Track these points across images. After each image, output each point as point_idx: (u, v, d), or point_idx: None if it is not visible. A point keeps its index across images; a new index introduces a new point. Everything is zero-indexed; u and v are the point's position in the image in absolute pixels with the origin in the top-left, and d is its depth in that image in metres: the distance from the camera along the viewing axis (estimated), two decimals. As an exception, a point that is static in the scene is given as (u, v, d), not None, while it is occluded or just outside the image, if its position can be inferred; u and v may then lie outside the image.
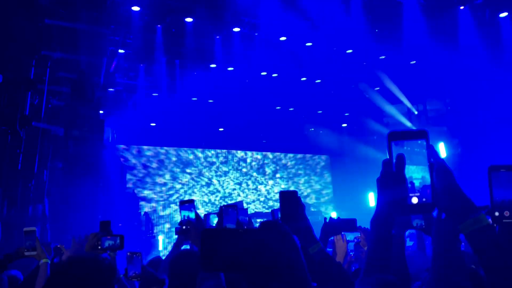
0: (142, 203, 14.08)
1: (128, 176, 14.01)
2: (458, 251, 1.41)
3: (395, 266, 1.98)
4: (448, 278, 1.40)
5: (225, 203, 14.65)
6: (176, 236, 3.34)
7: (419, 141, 1.11)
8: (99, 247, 2.52)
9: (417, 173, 1.10)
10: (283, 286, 0.88)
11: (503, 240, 1.05)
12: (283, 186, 17.00)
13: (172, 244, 3.30)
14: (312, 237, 1.70)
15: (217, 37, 11.22)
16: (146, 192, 14.48)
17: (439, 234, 1.42)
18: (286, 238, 0.88)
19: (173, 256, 2.48)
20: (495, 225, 1.19)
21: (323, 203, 17.62)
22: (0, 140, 7.56)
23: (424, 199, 1.08)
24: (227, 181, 16.18)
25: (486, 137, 11.74)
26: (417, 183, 1.10)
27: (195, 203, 2.18)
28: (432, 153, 1.10)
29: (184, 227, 2.12)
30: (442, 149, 14.08)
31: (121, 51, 10.81)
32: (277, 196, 16.90)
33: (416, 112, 15.13)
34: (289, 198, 1.76)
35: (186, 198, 14.90)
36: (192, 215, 2.13)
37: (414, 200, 1.08)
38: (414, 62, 12.66)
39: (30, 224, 8.70)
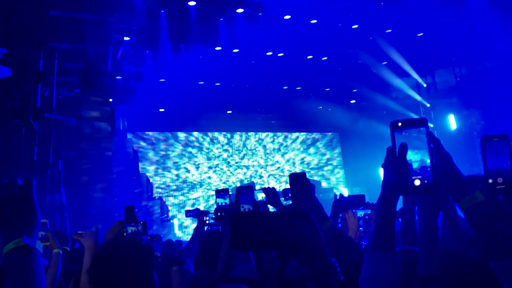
0: (155, 188, 14.32)
1: (140, 162, 14.22)
2: (436, 225, 1.55)
3: (407, 238, 2.06)
4: (434, 239, 1.53)
5: (239, 184, 14.78)
6: (190, 219, 3.58)
7: (421, 128, 1.20)
8: (124, 234, 2.64)
9: (415, 157, 1.20)
10: (306, 260, 0.97)
11: (498, 206, 1.15)
12: (291, 167, 17.10)
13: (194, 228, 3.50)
14: (323, 215, 1.78)
15: (221, 19, 11.14)
16: (158, 177, 14.70)
17: (425, 210, 1.55)
18: (308, 221, 0.97)
19: (203, 234, 2.61)
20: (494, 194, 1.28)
21: (334, 180, 17.71)
22: (15, 133, 7.73)
23: (425, 181, 1.17)
24: (238, 162, 16.32)
25: (499, 106, 11.59)
26: (415, 165, 1.19)
27: (229, 192, 2.35)
28: (432, 139, 1.21)
29: (219, 213, 2.27)
30: (452, 121, 13.98)
31: (126, 38, 10.82)
32: (287, 174, 16.96)
33: (425, 85, 14.98)
34: (298, 180, 1.84)
35: (201, 181, 15.10)
36: (226, 202, 2.29)
37: (417, 182, 1.18)
38: (421, 34, 12.46)
39: (48, 213, 8.95)
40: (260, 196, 3.32)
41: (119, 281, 1.47)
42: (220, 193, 2.40)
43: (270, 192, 2.97)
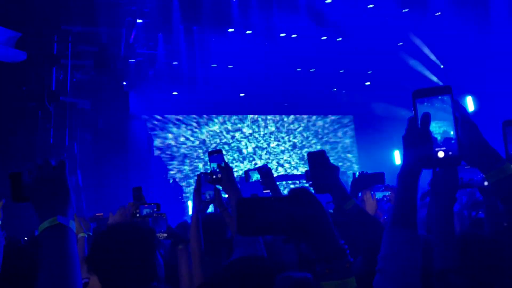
0: (170, 170, 14.45)
1: (154, 145, 14.33)
2: (452, 211, 1.47)
3: (440, 224, 1.98)
4: (450, 229, 1.45)
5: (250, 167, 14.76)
6: None
7: (445, 97, 1.13)
8: (138, 215, 2.65)
9: (437, 128, 1.12)
10: (314, 243, 0.95)
11: None
12: (305, 150, 17.04)
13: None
14: (345, 194, 1.73)
15: (234, 0, 11.01)
16: (173, 159, 14.81)
17: (440, 195, 1.47)
18: (315, 204, 0.96)
19: (202, 219, 2.58)
20: None
21: (348, 162, 17.63)
22: (31, 116, 7.82)
23: (450, 153, 1.10)
24: (252, 145, 16.33)
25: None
26: (438, 138, 1.12)
27: (223, 153, 2.27)
28: (457, 107, 1.13)
29: (214, 176, 2.19)
30: (470, 103, 13.69)
31: (139, 21, 10.77)
32: (302, 158, 17.03)
33: (442, 66, 14.65)
34: (317, 159, 1.77)
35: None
36: (221, 164, 2.22)
37: (441, 154, 1.11)
38: (439, 13, 12.13)
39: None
40: (255, 176, 3.15)
41: (117, 267, 1.46)
42: (213, 155, 2.27)
43: (264, 172, 2.85)
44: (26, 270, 1.85)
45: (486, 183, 1.96)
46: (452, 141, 1.10)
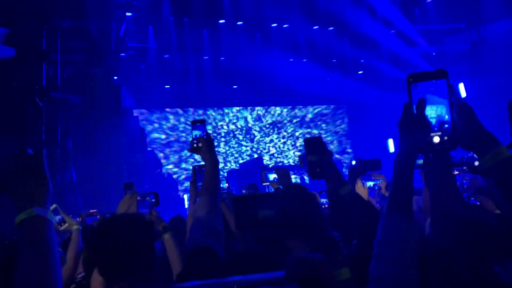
0: (164, 164, 14.42)
1: (147, 139, 14.28)
2: (453, 184, 1.45)
3: (437, 205, 1.97)
4: (446, 211, 1.45)
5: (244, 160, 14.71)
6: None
7: (440, 82, 1.13)
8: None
9: (432, 113, 1.12)
10: (308, 236, 0.98)
11: None
12: (299, 141, 17.05)
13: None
14: (341, 179, 1.73)
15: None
16: (167, 153, 14.78)
17: (433, 169, 1.45)
18: (307, 199, 0.98)
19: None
20: None
21: (342, 152, 17.68)
22: (22, 113, 7.74)
23: (445, 137, 1.10)
24: (245, 138, 16.32)
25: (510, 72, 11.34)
26: (433, 122, 1.12)
27: (205, 123, 2.27)
28: (452, 91, 1.12)
29: (195, 144, 2.20)
30: (462, 90, 13.73)
31: (128, 14, 10.65)
32: (297, 148, 17.05)
33: (433, 53, 14.67)
34: (314, 145, 1.77)
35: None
36: (203, 133, 2.24)
37: (436, 139, 1.11)
38: (430, 0, 12.12)
39: (60, 192, 9.07)
40: (272, 176, 3.26)
41: (116, 256, 1.46)
42: (196, 124, 2.28)
43: (282, 173, 2.93)
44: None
45: (476, 163, 1.96)
46: (447, 126, 1.10)
